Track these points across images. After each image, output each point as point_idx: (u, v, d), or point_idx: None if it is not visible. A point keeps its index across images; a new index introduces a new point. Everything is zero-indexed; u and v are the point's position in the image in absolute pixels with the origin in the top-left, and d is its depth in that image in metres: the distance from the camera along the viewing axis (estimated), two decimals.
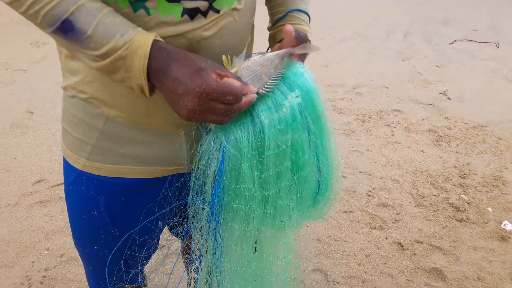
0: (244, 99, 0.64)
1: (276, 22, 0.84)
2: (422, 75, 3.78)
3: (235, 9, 0.70)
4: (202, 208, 0.77)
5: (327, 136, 0.79)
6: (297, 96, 0.70)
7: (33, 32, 3.91)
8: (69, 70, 0.74)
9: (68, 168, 0.84)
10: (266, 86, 0.70)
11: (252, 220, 0.76)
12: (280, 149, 0.71)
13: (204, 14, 0.66)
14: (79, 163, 0.81)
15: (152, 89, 0.64)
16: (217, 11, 0.67)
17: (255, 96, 0.67)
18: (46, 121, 2.72)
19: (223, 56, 0.68)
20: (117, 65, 0.61)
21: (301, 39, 0.72)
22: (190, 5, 0.64)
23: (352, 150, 2.64)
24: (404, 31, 4.85)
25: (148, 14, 0.63)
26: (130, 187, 0.82)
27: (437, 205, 2.20)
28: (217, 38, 0.69)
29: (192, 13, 0.65)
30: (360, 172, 2.44)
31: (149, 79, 0.62)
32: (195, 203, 0.78)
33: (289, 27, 0.70)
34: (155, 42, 0.60)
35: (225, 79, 0.62)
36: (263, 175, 0.72)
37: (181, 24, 0.65)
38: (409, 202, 2.22)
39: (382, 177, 2.41)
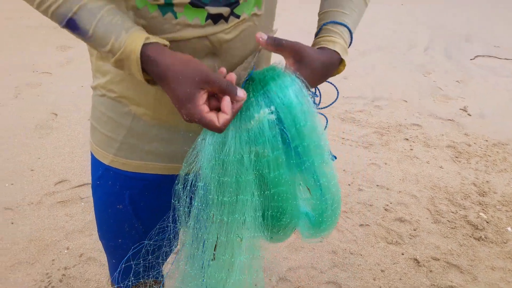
0: (235, 107, 0.66)
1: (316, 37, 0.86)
2: (442, 90, 3.76)
3: (254, 14, 0.74)
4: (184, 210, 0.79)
5: (318, 153, 0.75)
6: (270, 113, 0.69)
7: (60, 36, 4.01)
8: (100, 70, 0.79)
9: (95, 164, 0.89)
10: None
11: (209, 224, 0.76)
12: (241, 158, 0.70)
13: (226, 19, 0.70)
14: (106, 159, 0.85)
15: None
16: (238, 17, 0.72)
17: (241, 104, 0.67)
18: (70, 123, 2.79)
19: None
20: (122, 64, 0.65)
21: (275, 43, 0.71)
22: (213, 11, 0.68)
23: (370, 163, 2.63)
24: (425, 45, 4.83)
25: (176, 17, 0.67)
26: (152, 183, 0.87)
27: (455, 222, 2.18)
28: (237, 40, 0.74)
29: (215, 18, 0.69)
30: (377, 185, 2.43)
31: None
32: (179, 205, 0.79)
33: (257, 35, 0.70)
34: (144, 48, 0.63)
35: (209, 115, 0.64)
36: (221, 179, 0.72)
37: (205, 27, 0.69)
38: (427, 218, 2.21)
39: (399, 191, 2.40)
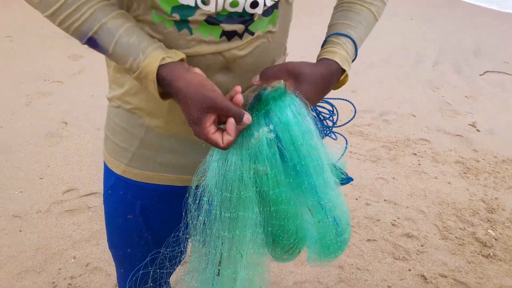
0: (238, 129, 0.68)
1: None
2: (451, 105, 3.75)
3: (269, 31, 0.76)
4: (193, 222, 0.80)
5: (318, 173, 0.74)
6: (269, 131, 0.70)
7: (72, 46, 4.06)
8: (116, 82, 0.81)
9: (108, 173, 0.90)
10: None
11: (213, 239, 0.77)
12: (241, 175, 0.72)
13: (240, 36, 0.72)
14: (119, 169, 0.87)
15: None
16: (252, 34, 0.73)
17: (243, 126, 0.69)
18: (79, 132, 2.81)
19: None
20: (140, 81, 0.69)
21: (265, 77, 0.74)
22: (228, 28, 0.70)
23: (377, 177, 2.63)
24: (433, 60, 4.83)
25: (191, 33, 0.69)
26: (164, 194, 0.87)
27: (463, 239, 2.16)
28: (250, 56, 0.75)
29: (230, 35, 0.71)
30: (385, 200, 2.42)
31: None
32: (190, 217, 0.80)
33: (252, 81, 0.75)
34: (160, 70, 0.65)
35: (214, 136, 0.67)
36: (223, 194, 0.73)
37: (219, 43, 0.71)
38: (434, 234, 2.19)
39: (407, 206, 2.38)
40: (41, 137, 2.73)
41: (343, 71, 0.76)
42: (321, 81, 0.74)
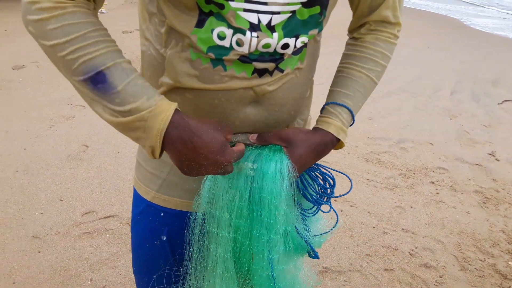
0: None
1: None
2: (469, 134, 3.72)
3: (297, 68, 0.79)
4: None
5: (268, 230, 0.77)
6: (251, 169, 0.76)
7: None
8: None
9: (138, 199, 0.93)
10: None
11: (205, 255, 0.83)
12: (220, 196, 0.78)
13: (271, 73, 0.75)
14: (149, 195, 0.90)
15: (161, 152, 0.69)
16: (282, 71, 0.76)
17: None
18: (99, 156, 2.87)
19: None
20: (136, 125, 0.66)
21: (261, 141, 0.80)
22: (260, 66, 0.73)
23: (395, 205, 2.60)
24: (451, 89, 4.82)
25: (225, 70, 0.73)
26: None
27: (483, 271, 2.11)
28: (279, 91, 0.78)
29: (261, 72, 0.74)
30: (402, 229, 2.39)
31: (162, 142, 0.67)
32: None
33: (249, 138, 0.81)
34: (177, 111, 0.67)
35: (236, 147, 0.73)
36: (211, 211, 0.80)
37: (251, 79, 0.74)
38: (453, 265, 2.15)
39: (425, 236, 2.35)
40: (63, 159, 2.79)
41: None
42: (314, 148, 0.79)
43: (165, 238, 0.90)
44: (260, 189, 0.76)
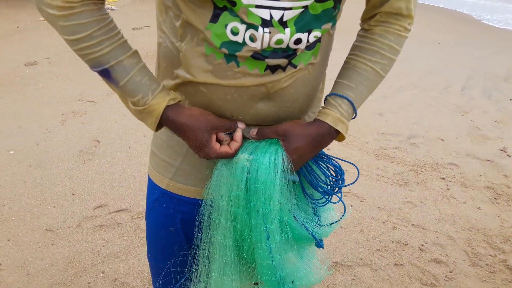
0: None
1: None
2: (480, 129, 3.69)
3: (310, 63, 0.79)
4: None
5: (265, 220, 0.80)
6: (247, 160, 0.79)
7: None
8: None
9: (152, 187, 0.95)
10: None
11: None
12: (221, 185, 0.82)
13: (284, 68, 0.75)
14: (163, 183, 0.92)
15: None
16: (295, 67, 0.76)
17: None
18: (111, 150, 2.90)
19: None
20: (139, 114, 0.78)
21: (260, 136, 0.82)
22: (272, 62, 0.74)
23: (405, 201, 2.60)
24: (462, 85, 4.78)
25: (238, 66, 0.74)
26: None
27: (494, 266, 2.10)
28: (292, 87, 0.79)
29: (274, 68, 0.75)
30: (412, 224, 2.39)
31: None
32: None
33: (250, 132, 0.83)
34: (166, 109, 0.76)
35: (222, 149, 0.79)
36: (214, 200, 0.84)
37: (263, 76, 0.75)
38: (464, 260, 2.14)
39: (435, 231, 2.34)
40: (75, 154, 2.83)
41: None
42: (310, 140, 0.80)
43: (179, 225, 0.92)
44: (255, 179, 0.78)
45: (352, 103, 0.83)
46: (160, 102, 0.75)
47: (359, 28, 0.91)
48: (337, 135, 0.83)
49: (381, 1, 0.82)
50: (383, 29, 0.84)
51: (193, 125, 0.76)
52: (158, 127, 0.78)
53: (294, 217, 0.86)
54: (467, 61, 5.65)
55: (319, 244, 0.92)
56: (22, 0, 7.01)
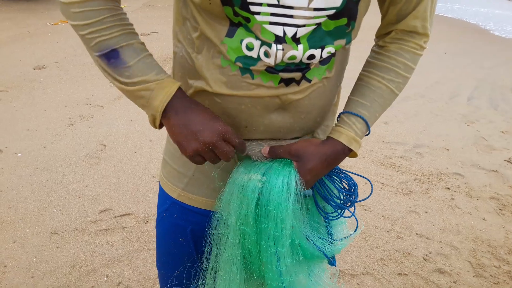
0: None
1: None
2: (486, 140, 3.68)
3: (325, 78, 0.79)
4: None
5: (276, 243, 0.79)
6: (260, 181, 0.78)
7: None
8: None
9: (163, 196, 0.95)
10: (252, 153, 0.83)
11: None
12: (231, 199, 0.81)
13: (298, 82, 0.76)
14: (175, 192, 0.92)
15: (161, 124, 0.77)
16: (309, 81, 0.77)
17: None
18: (117, 155, 2.93)
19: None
20: (141, 94, 0.74)
21: (273, 155, 0.81)
22: (286, 76, 0.74)
23: (409, 210, 2.59)
24: (468, 95, 4.78)
25: (252, 78, 0.74)
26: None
27: (498, 278, 2.09)
28: (306, 100, 0.79)
29: (288, 81, 0.75)
30: (416, 234, 2.38)
31: (163, 115, 0.75)
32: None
33: (262, 151, 0.83)
34: (180, 88, 0.75)
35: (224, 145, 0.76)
36: (225, 211, 0.83)
37: (277, 88, 0.75)
38: (468, 271, 2.13)
39: (439, 241, 2.33)
40: (81, 158, 2.85)
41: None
42: (324, 159, 0.79)
43: (189, 236, 0.92)
44: (267, 202, 0.77)
45: (366, 122, 0.82)
46: (175, 81, 0.75)
47: (373, 36, 0.90)
48: (349, 152, 0.82)
49: (397, 18, 0.82)
50: (398, 47, 0.83)
51: (206, 111, 0.76)
52: (163, 115, 0.75)
53: (307, 238, 0.85)
54: (474, 71, 5.65)
55: (332, 263, 0.91)
56: (32, 5, 7.09)
